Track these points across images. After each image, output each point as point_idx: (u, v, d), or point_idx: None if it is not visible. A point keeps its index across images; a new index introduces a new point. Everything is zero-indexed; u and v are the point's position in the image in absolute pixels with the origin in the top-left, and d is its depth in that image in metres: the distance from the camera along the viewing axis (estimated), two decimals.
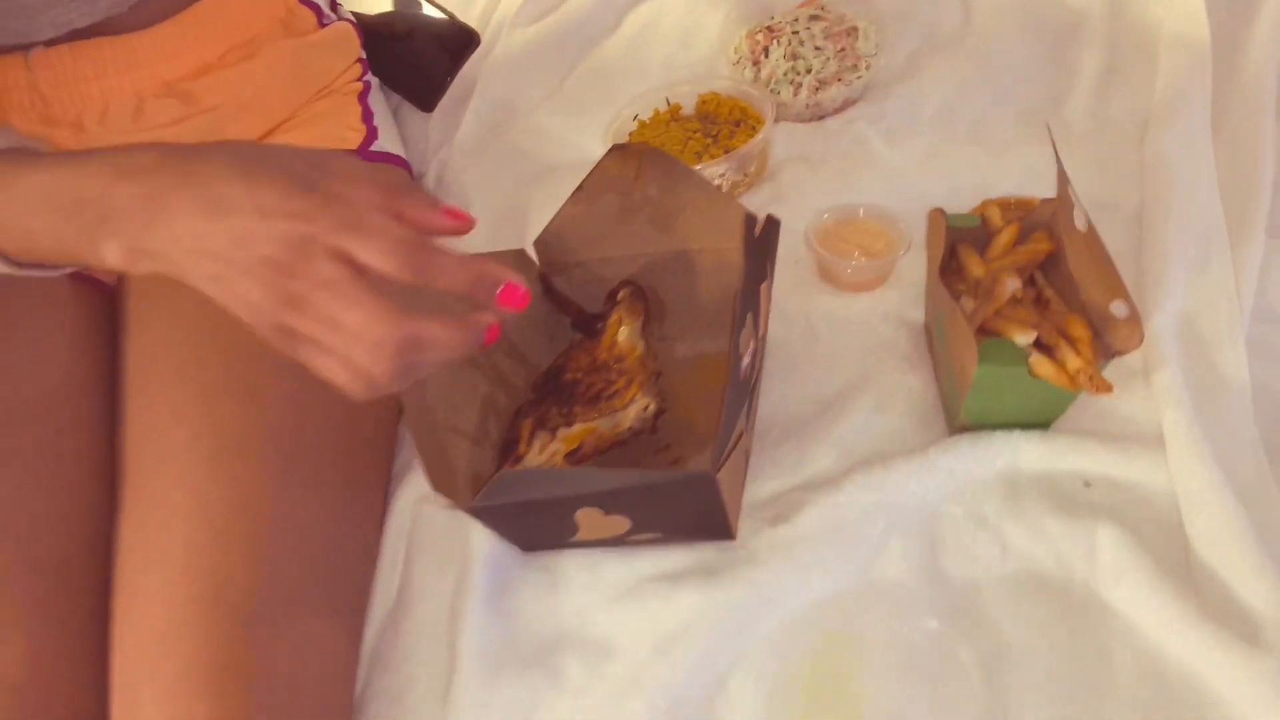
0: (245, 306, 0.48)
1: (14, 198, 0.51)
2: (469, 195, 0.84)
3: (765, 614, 0.61)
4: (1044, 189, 0.68)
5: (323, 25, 0.82)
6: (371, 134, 0.83)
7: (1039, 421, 0.66)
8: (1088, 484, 0.65)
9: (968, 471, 0.65)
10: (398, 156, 0.84)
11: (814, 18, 0.86)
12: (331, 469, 0.66)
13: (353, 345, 0.48)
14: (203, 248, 0.48)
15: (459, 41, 0.90)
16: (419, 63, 0.90)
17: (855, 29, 0.85)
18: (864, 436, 0.67)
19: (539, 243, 0.71)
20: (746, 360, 0.58)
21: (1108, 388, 0.59)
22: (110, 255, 0.49)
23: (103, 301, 0.77)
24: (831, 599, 0.61)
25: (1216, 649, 0.56)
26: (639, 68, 0.88)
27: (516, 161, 0.86)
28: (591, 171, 0.67)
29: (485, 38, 0.91)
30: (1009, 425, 0.66)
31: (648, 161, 0.67)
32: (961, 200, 0.73)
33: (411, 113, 0.92)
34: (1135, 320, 0.58)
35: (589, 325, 0.71)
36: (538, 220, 0.75)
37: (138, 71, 0.72)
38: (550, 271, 0.72)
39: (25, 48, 0.69)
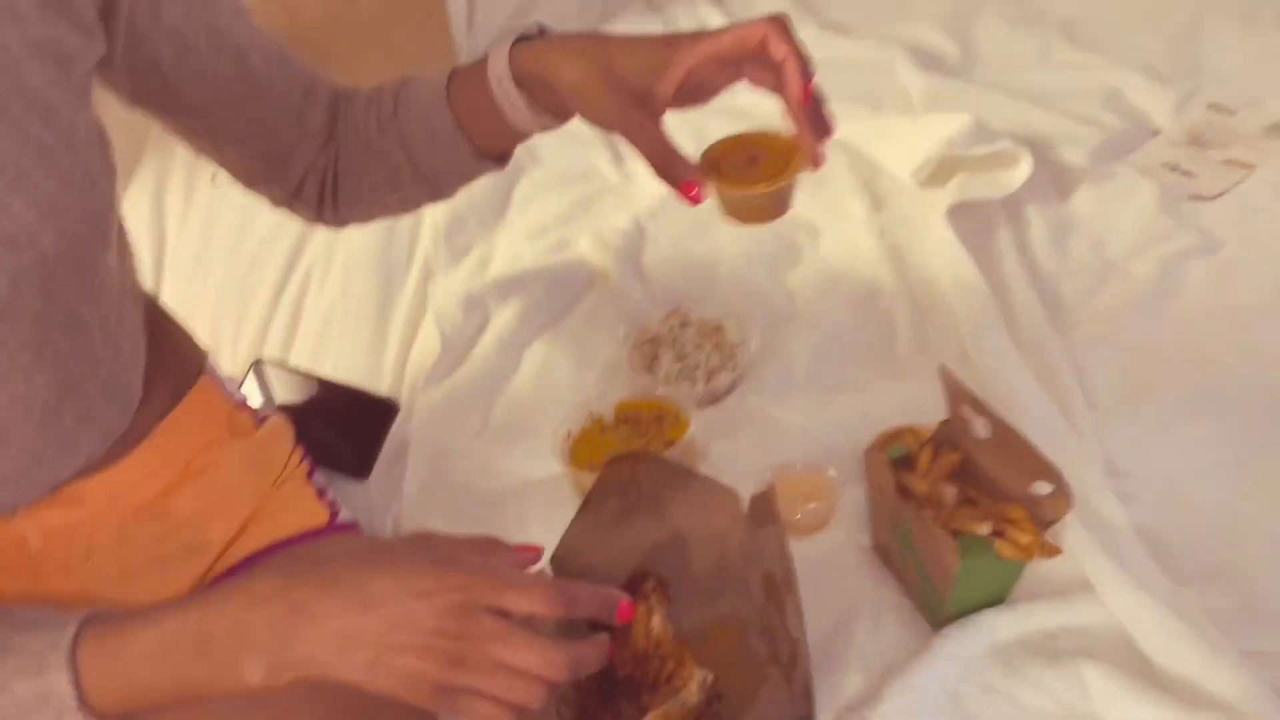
0: (403, 679, 0.55)
1: (129, 659, 0.56)
2: None
3: None
4: (913, 414, 0.86)
5: (259, 423, 0.88)
6: (333, 508, 0.89)
7: (998, 598, 0.80)
8: (1053, 637, 0.79)
9: (967, 654, 0.77)
10: (355, 524, 0.90)
11: (684, 325, 1.03)
12: None
13: (517, 684, 0.55)
14: (355, 641, 0.54)
15: (379, 412, 0.99)
16: (344, 438, 0.98)
17: (720, 326, 1.03)
18: (874, 650, 0.79)
19: (555, 560, 0.79)
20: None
21: (1057, 550, 0.75)
22: (253, 675, 0.55)
23: None
24: None
25: None
26: (550, 393, 1.01)
27: (467, 498, 0.94)
28: (595, 484, 0.78)
29: (403, 403, 1.00)
30: (979, 607, 0.79)
31: (642, 463, 0.78)
32: (856, 438, 0.89)
33: (345, 483, 0.98)
34: (1060, 491, 0.75)
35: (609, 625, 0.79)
36: (513, 534, 0.84)
37: (116, 503, 0.76)
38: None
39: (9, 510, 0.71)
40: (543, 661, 0.55)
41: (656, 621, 0.77)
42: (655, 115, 0.67)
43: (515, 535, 0.77)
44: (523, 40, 0.71)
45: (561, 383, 1.02)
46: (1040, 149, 1.24)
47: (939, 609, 0.79)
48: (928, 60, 1.44)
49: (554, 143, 1.24)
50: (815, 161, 0.68)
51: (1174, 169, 1.26)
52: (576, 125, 1.23)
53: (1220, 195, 1.21)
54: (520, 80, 0.70)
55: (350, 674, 0.55)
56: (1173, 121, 1.33)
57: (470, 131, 0.75)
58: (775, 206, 0.72)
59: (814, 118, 0.67)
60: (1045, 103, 1.34)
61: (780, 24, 0.66)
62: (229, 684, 0.56)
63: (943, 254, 1.10)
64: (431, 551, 0.58)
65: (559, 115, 0.73)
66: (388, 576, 0.55)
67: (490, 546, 0.61)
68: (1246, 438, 0.92)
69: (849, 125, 1.19)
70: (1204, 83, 1.39)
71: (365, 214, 0.85)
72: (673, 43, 0.66)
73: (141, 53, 0.68)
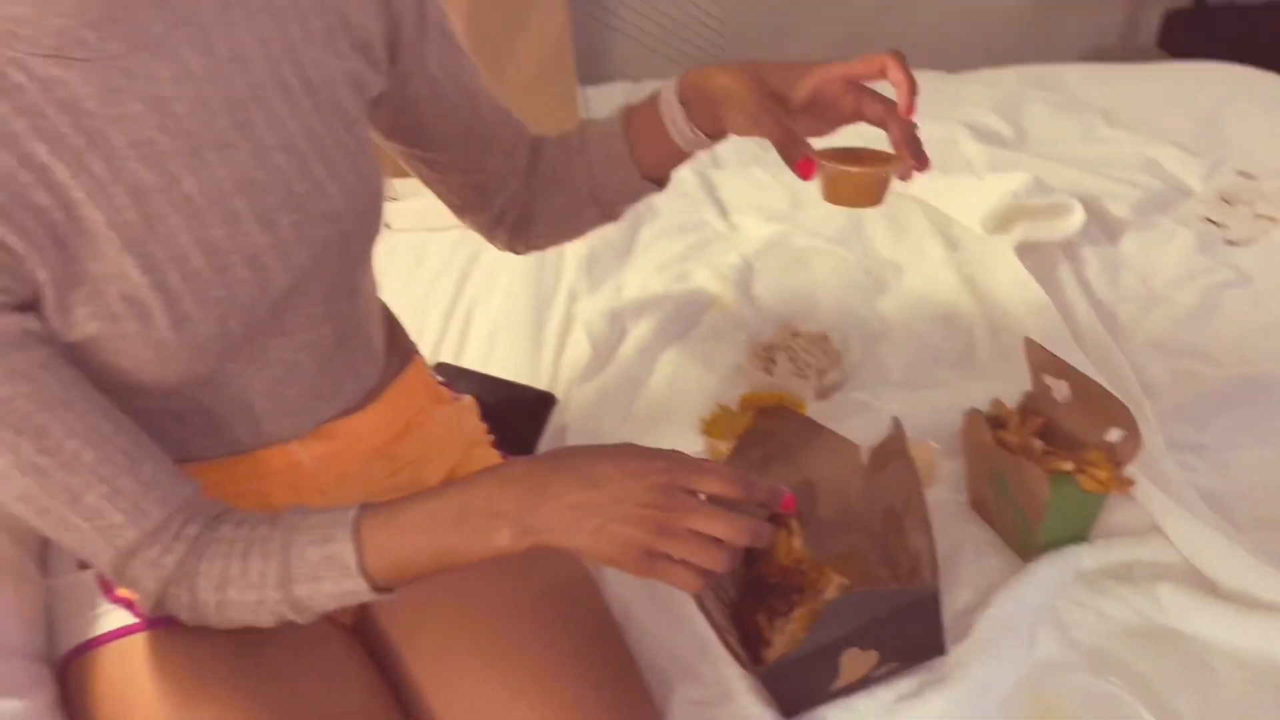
0: (619, 545, 0.66)
1: (399, 529, 0.70)
2: None
3: (988, 697, 0.83)
4: (996, 391, 1.03)
5: (455, 400, 1.06)
6: None
7: (1081, 534, 0.96)
8: (1129, 566, 0.94)
9: (1057, 576, 0.93)
10: None
11: (794, 335, 1.22)
12: (633, 689, 0.84)
13: (709, 550, 0.67)
14: (584, 510, 0.67)
15: (541, 403, 1.17)
16: (512, 422, 1.15)
17: (826, 335, 1.21)
18: (978, 574, 0.94)
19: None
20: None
21: (1130, 483, 0.91)
22: (502, 540, 0.68)
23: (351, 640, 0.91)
24: (1023, 677, 0.85)
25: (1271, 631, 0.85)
26: (680, 390, 1.19)
27: None
28: (741, 436, 0.95)
29: (560, 397, 1.18)
30: (1065, 542, 0.95)
31: (781, 418, 0.95)
32: (947, 421, 1.06)
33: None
34: (1131, 434, 0.91)
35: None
36: None
37: (360, 441, 0.93)
38: None
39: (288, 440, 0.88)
40: (730, 529, 0.67)
41: (796, 543, 0.93)
42: (786, 111, 0.81)
43: None
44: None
45: (690, 382, 1.19)
46: (1089, 204, 1.44)
47: (1031, 541, 0.95)
48: (985, 136, 1.65)
49: (669, 200, 1.46)
50: (919, 164, 0.82)
51: (1208, 221, 1.45)
52: (689, 187, 1.44)
53: (1251, 241, 1.40)
54: (683, 95, 0.85)
55: (577, 540, 0.67)
56: (1204, 185, 1.53)
57: (639, 156, 0.93)
58: (871, 192, 0.82)
59: (915, 142, 0.80)
60: (1090, 169, 1.55)
61: (898, 56, 0.84)
62: (481, 547, 0.69)
63: (1013, 282, 1.28)
64: (638, 447, 0.73)
65: (713, 134, 0.90)
66: (607, 463, 0.69)
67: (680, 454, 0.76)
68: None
69: (922, 183, 1.41)
70: (1230, 154, 1.60)
71: (546, 239, 1.02)
72: (808, 63, 0.84)
73: (407, 91, 0.88)
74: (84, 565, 0.84)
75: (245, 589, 0.70)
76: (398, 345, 0.98)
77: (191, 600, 0.71)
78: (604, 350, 1.23)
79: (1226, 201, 1.49)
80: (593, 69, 2.25)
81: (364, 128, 0.83)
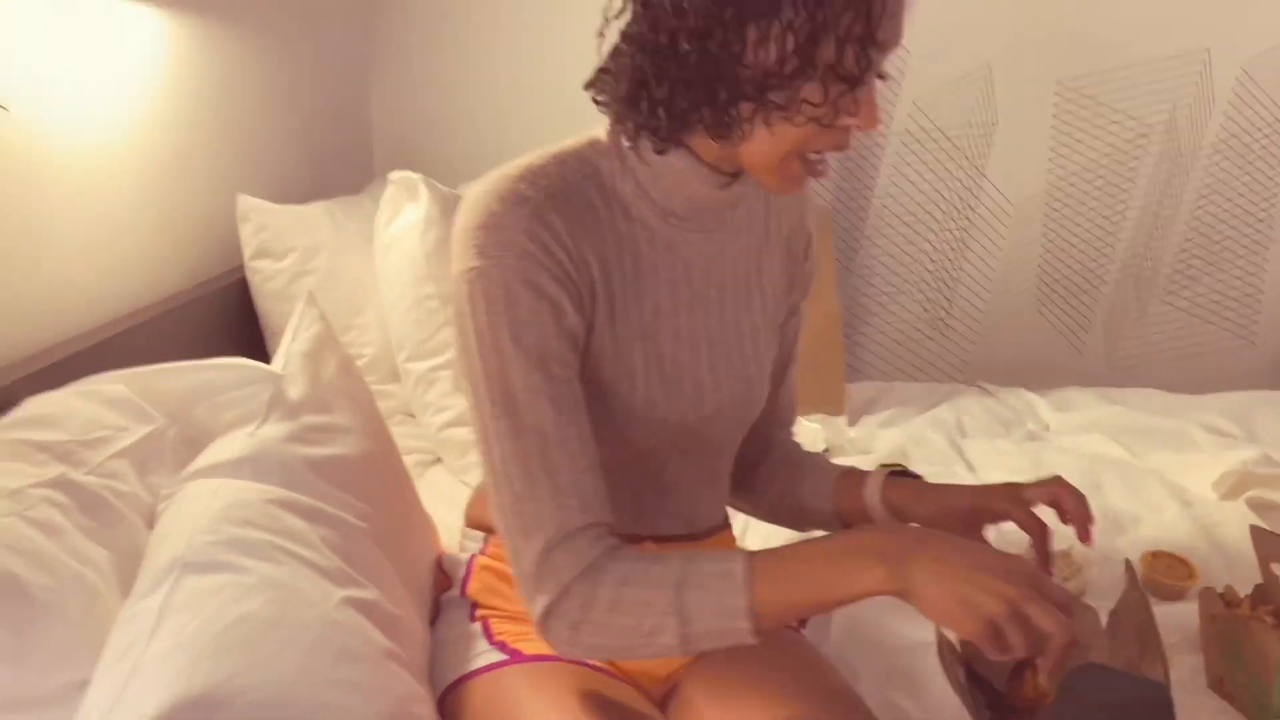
0: (967, 608, 0.75)
1: (783, 559, 0.82)
2: None
3: None
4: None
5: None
6: None
7: None
8: None
9: None
10: None
11: None
12: None
13: (1038, 640, 0.77)
14: (952, 568, 0.76)
15: None
16: None
17: (1068, 551, 1.37)
18: None
19: (964, 645, 1.11)
20: None
21: None
22: (876, 576, 0.77)
23: None
24: None
25: None
26: None
27: (880, 652, 1.27)
28: None
29: None
30: None
31: None
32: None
33: None
34: None
35: (996, 695, 1.08)
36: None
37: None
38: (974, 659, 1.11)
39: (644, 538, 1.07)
40: (1060, 628, 0.76)
41: (1042, 679, 1.07)
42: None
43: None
44: (894, 474, 1.11)
45: None
46: None
47: (1266, 705, 1.04)
48: (1214, 431, 1.82)
49: (923, 461, 1.70)
50: (1083, 538, 1.01)
51: None
52: (939, 450, 1.65)
53: None
54: (885, 503, 1.07)
55: (937, 593, 0.75)
56: None
57: (840, 505, 1.12)
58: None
59: (1086, 536, 1.01)
60: None
61: (1069, 488, 1.01)
62: (855, 583, 0.78)
63: (1244, 528, 1.41)
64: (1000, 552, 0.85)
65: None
66: (977, 545, 0.82)
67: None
68: None
69: (1158, 457, 1.60)
70: None
71: (747, 508, 1.23)
72: (994, 496, 1.02)
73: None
74: (476, 614, 1.07)
75: (642, 588, 0.83)
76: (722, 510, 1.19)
77: (588, 599, 0.83)
78: None
79: None
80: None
81: (774, 344, 1.11)
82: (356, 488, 1.04)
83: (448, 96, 2.21)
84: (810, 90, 0.82)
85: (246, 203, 1.60)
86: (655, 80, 0.85)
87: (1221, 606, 1.09)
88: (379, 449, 1.14)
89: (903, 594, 0.77)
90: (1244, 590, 1.15)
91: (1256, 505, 1.48)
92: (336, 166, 2.06)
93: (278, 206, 1.63)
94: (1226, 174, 2.65)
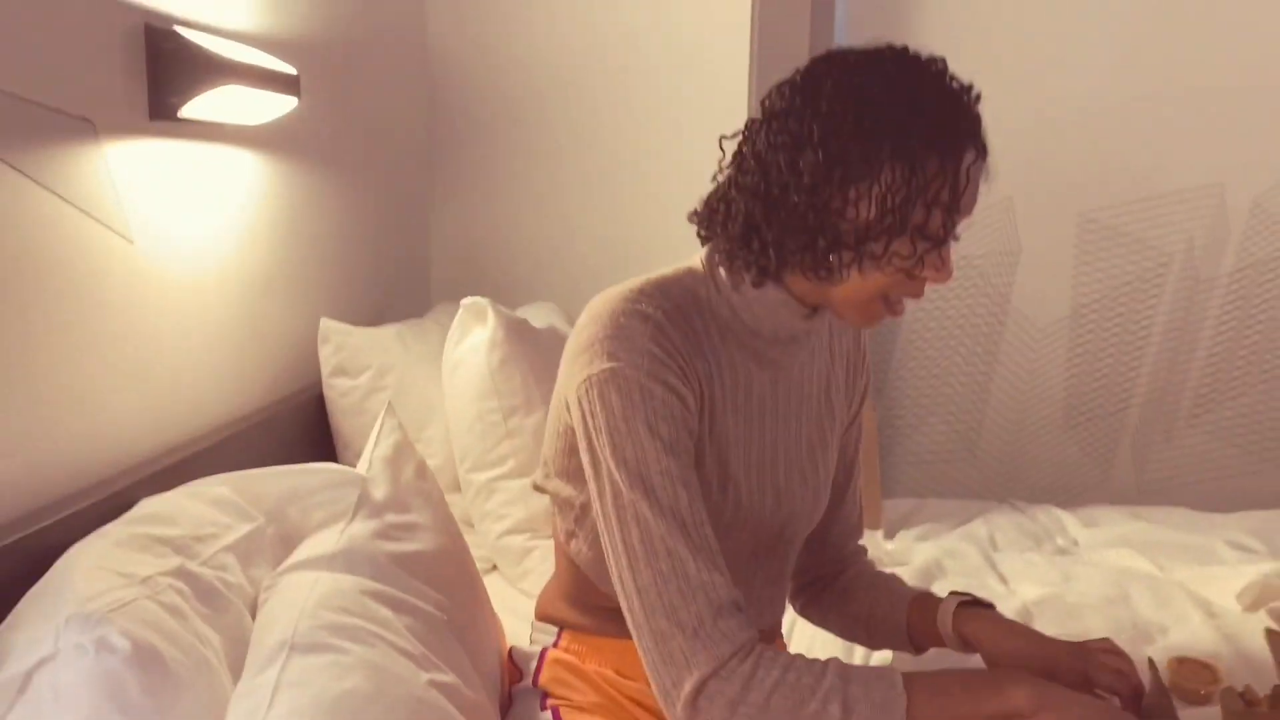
0: None
1: (935, 679, 0.91)
2: None
3: None
4: None
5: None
6: None
7: None
8: None
9: None
10: None
11: None
12: None
13: None
14: (1055, 702, 0.89)
15: None
16: None
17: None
18: None
19: None
20: None
21: None
22: (1020, 694, 0.89)
23: None
24: None
25: None
26: None
27: None
28: None
29: None
30: None
31: None
32: None
33: None
34: None
35: None
36: None
37: None
38: None
39: None
40: None
41: None
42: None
43: None
44: (965, 603, 1.17)
45: None
46: None
47: None
48: (1239, 547, 1.88)
49: (956, 572, 1.77)
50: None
51: None
52: (973, 564, 1.75)
53: None
54: (957, 632, 1.17)
55: (1063, 712, 0.88)
56: None
57: (912, 629, 1.21)
58: None
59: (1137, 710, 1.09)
60: None
61: (1128, 660, 1.10)
62: (999, 697, 0.89)
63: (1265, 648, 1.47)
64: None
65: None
66: (1088, 697, 0.95)
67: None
68: None
69: (1183, 570, 1.67)
70: None
71: (820, 623, 1.32)
72: (1071, 658, 1.09)
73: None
74: (547, 703, 1.14)
75: (806, 674, 0.89)
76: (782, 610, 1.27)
77: (749, 679, 0.88)
78: None
79: None
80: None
81: (836, 455, 1.22)
82: (435, 581, 1.14)
83: (497, 230, 2.39)
84: (900, 245, 0.95)
85: (327, 325, 1.75)
86: (766, 225, 0.98)
87: (1241, 705, 1.16)
88: (453, 546, 1.25)
89: (1039, 709, 0.88)
90: (1264, 691, 1.21)
91: (1277, 616, 1.54)
92: (397, 294, 2.22)
93: (355, 328, 1.78)
94: (1244, 301, 2.76)
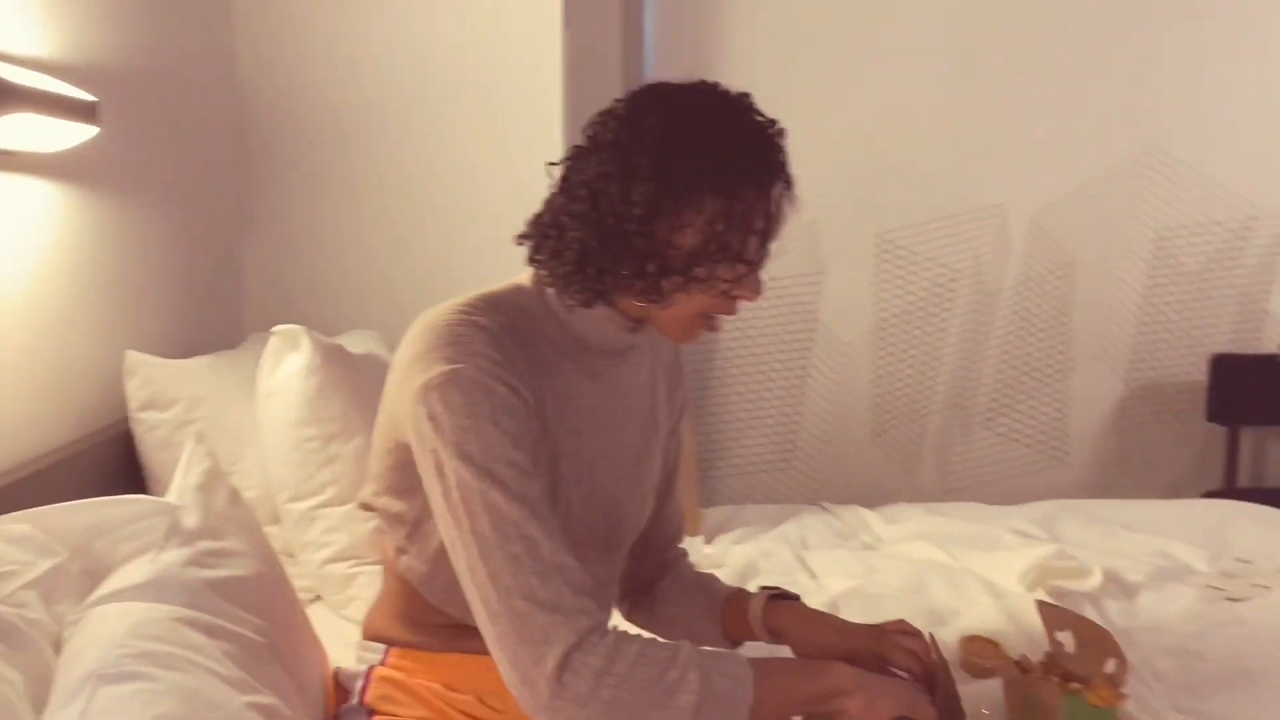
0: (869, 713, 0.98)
1: (776, 663, 1.04)
2: None
3: None
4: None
5: None
6: None
7: None
8: None
9: None
10: None
11: None
12: None
13: None
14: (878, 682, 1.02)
15: None
16: None
17: None
18: None
19: None
20: None
21: (1125, 697, 1.20)
22: (843, 677, 0.99)
23: None
24: None
25: None
26: None
27: None
28: None
29: None
30: None
31: None
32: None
33: None
34: (1122, 663, 1.22)
35: None
36: None
37: None
38: None
39: None
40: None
41: None
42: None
43: None
44: (774, 596, 1.25)
45: None
46: (1109, 575, 1.79)
47: None
48: (1022, 534, 2.05)
49: (770, 571, 1.87)
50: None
51: (1211, 587, 1.78)
52: (785, 564, 1.85)
53: (1248, 600, 1.72)
54: (767, 626, 1.26)
55: (853, 694, 0.99)
56: (1207, 566, 1.88)
57: (727, 625, 1.29)
58: None
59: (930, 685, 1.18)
60: (1112, 555, 1.92)
61: (915, 631, 1.21)
62: (825, 676, 0.99)
63: None
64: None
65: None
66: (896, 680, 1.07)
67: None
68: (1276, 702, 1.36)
69: (973, 558, 1.81)
70: (1229, 549, 1.96)
71: (645, 626, 1.37)
72: (865, 640, 1.18)
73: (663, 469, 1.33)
74: None
75: (664, 648, 0.95)
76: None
77: (613, 650, 0.92)
78: None
79: (1227, 576, 1.83)
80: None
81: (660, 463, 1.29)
82: (252, 605, 1.14)
83: (315, 258, 2.36)
84: (722, 269, 1.03)
85: (134, 358, 1.70)
86: (600, 252, 1.03)
87: (1018, 673, 1.27)
88: (270, 571, 1.24)
89: (857, 689, 0.98)
90: (1038, 659, 1.34)
91: (1054, 593, 1.70)
92: (210, 324, 2.17)
93: (164, 361, 1.73)
94: (1027, 312, 3.00)
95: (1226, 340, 3.02)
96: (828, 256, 2.94)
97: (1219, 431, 3.01)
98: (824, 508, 2.34)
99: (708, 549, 1.99)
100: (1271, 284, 3.01)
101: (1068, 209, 2.95)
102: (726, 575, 1.79)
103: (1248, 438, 3.06)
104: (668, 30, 2.81)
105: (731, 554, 1.95)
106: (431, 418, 0.98)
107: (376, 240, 2.35)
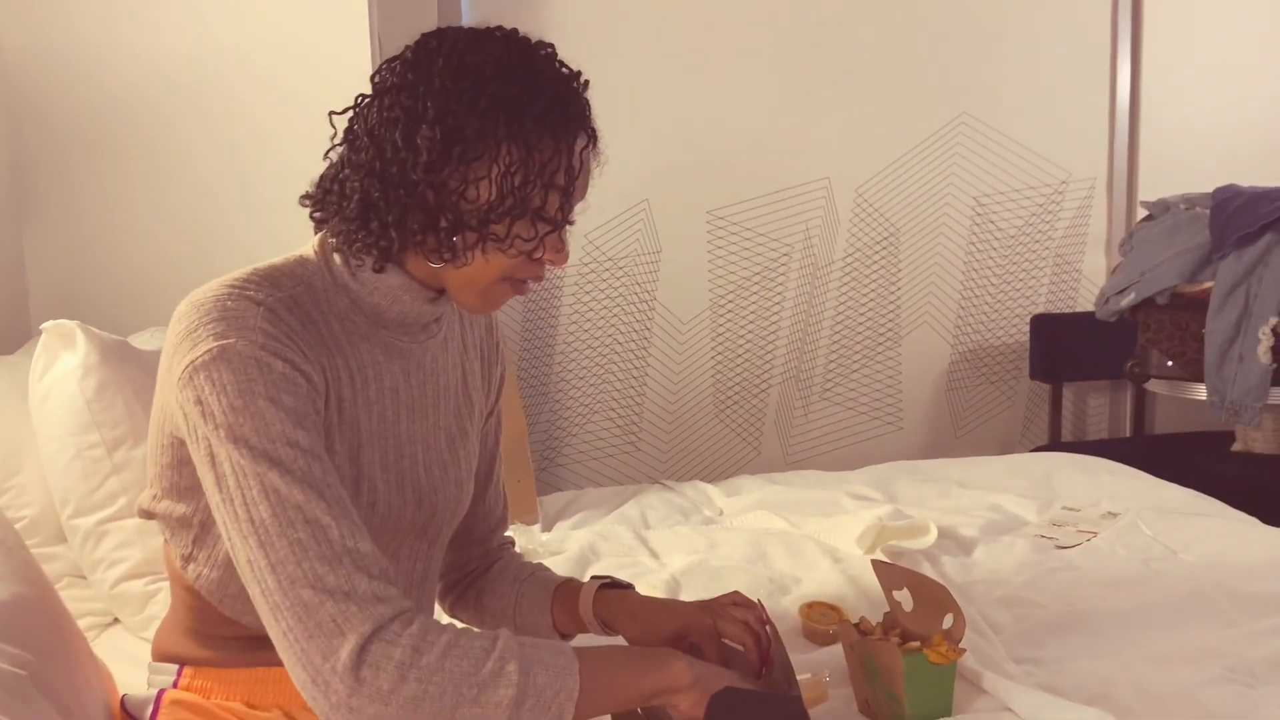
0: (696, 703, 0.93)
1: (606, 653, 0.93)
2: None
3: None
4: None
5: None
6: None
7: (944, 709, 1.20)
8: None
9: None
10: None
11: None
12: None
13: None
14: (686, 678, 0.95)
15: None
16: None
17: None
18: None
19: None
20: None
21: (962, 651, 1.18)
22: (678, 670, 0.94)
23: None
24: None
25: None
26: None
27: None
28: None
29: None
30: (933, 716, 1.19)
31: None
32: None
33: None
34: (959, 618, 1.20)
35: None
36: None
37: None
38: None
39: None
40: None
41: None
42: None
43: None
44: (605, 585, 1.20)
45: None
46: (944, 531, 1.81)
47: (900, 714, 1.19)
48: (860, 497, 2.06)
49: (611, 553, 1.81)
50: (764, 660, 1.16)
51: (1042, 537, 1.82)
52: (626, 544, 1.80)
53: (1075, 546, 1.76)
54: (598, 617, 1.20)
55: (687, 691, 0.93)
56: (1037, 516, 1.92)
57: (557, 617, 1.22)
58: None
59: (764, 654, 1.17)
60: (946, 512, 1.94)
61: (746, 601, 1.19)
62: (659, 673, 0.92)
63: None
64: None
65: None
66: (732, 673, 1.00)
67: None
68: (1107, 642, 1.38)
69: (812, 524, 1.79)
70: (1057, 499, 2.01)
71: (470, 621, 1.29)
72: (695, 617, 1.16)
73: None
74: None
75: (480, 637, 0.86)
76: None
77: (419, 642, 0.83)
78: None
79: (1056, 525, 1.87)
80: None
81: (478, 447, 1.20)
82: (12, 634, 0.99)
83: (103, 252, 2.16)
84: (521, 227, 0.95)
85: None
86: (385, 204, 0.94)
87: (857, 635, 1.24)
88: (36, 594, 1.10)
89: (694, 684, 0.93)
90: (877, 620, 1.31)
91: (892, 554, 1.69)
92: None
93: None
94: (857, 282, 3.05)
95: (1045, 301, 3.14)
96: (662, 235, 2.91)
97: (1043, 389, 3.13)
98: (665, 485, 2.30)
99: (545, 536, 1.91)
100: (1084, 245, 3.13)
101: (889, 180, 3.00)
102: (566, 561, 1.73)
103: (1069, 393, 3.18)
104: (485, 10, 2.72)
105: (570, 540, 1.88)
106: (199, 401, 0.88)
107: (170, 227, 2.16)
